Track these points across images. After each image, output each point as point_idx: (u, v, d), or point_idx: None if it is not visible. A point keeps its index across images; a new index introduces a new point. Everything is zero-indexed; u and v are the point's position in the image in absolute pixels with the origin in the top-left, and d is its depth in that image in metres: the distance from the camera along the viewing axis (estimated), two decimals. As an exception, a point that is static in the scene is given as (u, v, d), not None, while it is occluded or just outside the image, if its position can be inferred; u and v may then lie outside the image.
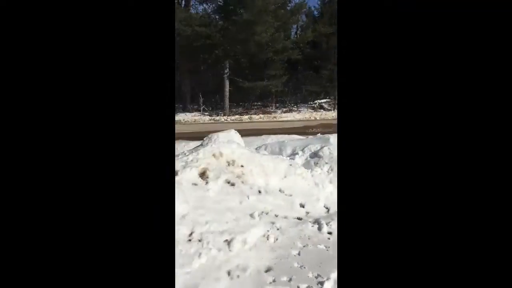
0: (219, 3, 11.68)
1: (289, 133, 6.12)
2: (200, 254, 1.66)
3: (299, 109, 13.63)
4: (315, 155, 3.20)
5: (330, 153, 3.12)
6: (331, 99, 14.67)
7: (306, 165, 3.02)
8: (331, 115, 11.53)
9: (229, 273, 1.56)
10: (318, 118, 10.72)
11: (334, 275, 1.49)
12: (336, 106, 13.51)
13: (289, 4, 12.47)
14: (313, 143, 3.45)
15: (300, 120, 10.16)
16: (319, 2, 16.84)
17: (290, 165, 2.72)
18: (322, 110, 13.42)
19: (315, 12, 15.56)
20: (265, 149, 3.77)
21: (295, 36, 15.05)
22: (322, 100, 14.53)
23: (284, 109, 13.24)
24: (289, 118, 10.86)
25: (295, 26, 14.97)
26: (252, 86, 11.83)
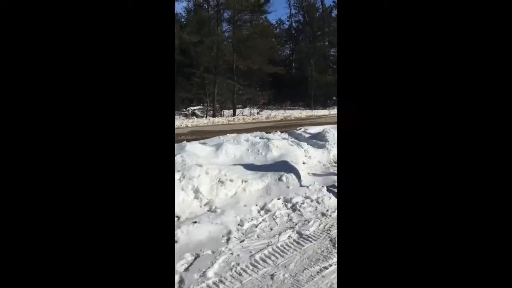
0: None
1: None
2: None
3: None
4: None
5: (182, 160, 3.06)
6: (204, 106, 14.93)
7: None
8: (203, 122, 11.51)
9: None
10: (189, 125, 10.59)
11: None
12: (211, 113, 14.16)
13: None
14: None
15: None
16: (185, 10, 17.61)
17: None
18: (194, 117, 13.51)
19: (182, 20, 15.81)
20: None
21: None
22: (195, 107, 14.72)
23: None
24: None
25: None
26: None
